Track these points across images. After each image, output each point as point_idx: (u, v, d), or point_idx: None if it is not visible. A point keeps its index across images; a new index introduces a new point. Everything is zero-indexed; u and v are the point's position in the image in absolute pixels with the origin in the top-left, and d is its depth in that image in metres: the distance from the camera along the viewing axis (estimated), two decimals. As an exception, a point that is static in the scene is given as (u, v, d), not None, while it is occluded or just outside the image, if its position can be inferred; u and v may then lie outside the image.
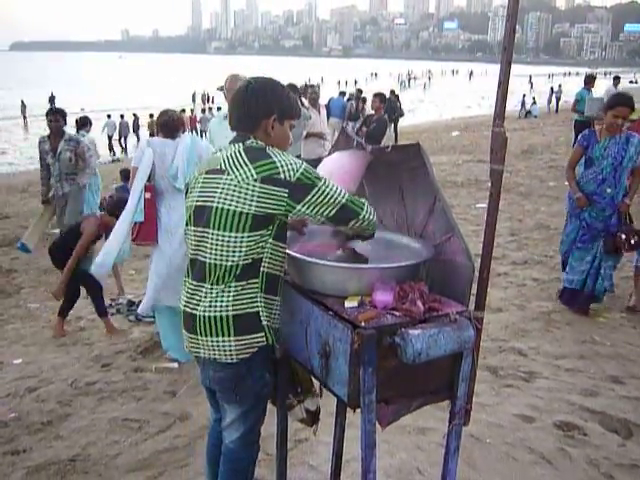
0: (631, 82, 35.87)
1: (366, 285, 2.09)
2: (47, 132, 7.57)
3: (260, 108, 2.18)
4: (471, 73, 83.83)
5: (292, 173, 2.06)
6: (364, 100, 18.27)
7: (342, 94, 19.20)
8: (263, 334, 2.16)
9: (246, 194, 2.04)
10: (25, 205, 12.53)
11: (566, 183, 9.96)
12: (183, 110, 25.64)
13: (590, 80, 12.65)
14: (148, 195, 4.23)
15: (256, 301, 2.14)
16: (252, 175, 2.05)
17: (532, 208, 9.23)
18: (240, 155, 2.12)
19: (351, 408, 2.01)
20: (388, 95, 17.42)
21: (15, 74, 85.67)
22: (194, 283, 2.21)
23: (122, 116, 25.17)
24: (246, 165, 2.07)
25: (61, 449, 3.42)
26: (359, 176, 2.52)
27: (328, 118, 10.82)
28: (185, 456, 3.29)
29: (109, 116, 24.70)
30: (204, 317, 2.16)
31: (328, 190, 2.10)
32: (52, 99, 37.26)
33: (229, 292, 2.12)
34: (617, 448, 3.27)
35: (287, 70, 73.25)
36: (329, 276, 2.16)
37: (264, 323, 2.16)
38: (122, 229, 4.22)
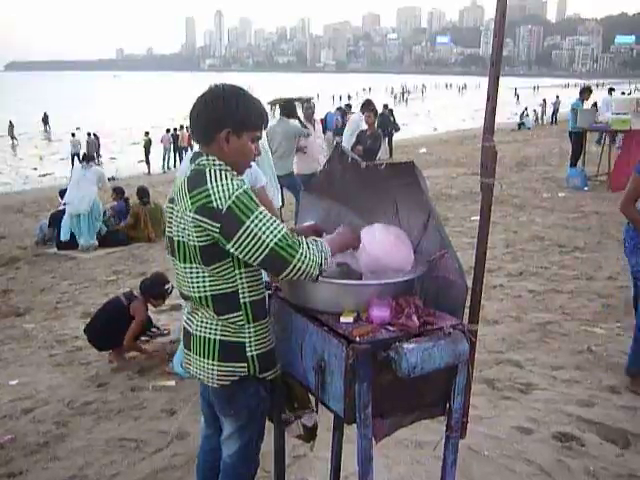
0: (623, 93, 36.12)
1: (362, 301, 2.09)
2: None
3: (212, 121, 2.06)
4: (461, 87, 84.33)
5: (223, 201, 1.94)
6: (349, 106, 18.36)
7: (339, 109, 19.31)
8: (246, 365, 2.14)
9: (186, 226, 2.01)
10: (21, 225, 12.54)
11: (561, 194, 10.04)
12: (182, 127, 25.80)
13: (585, 92, 12.73)
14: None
15: (244, 332, 2.12)
16: (189, 206, 1.98)
17: (527, 220, 9.26)
18: (184, 184, 2.05)
19: (347, 423, 2.01)
20: (381, 110, 17.56)
21: (10, 94, 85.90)
22: (185, 302, 2.25)
23: (89, 134, 25.72)
24: (186, 195, 2.01)
25: (58, 470, 3.40)
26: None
27: (324, 133, 10.88)
28: (183, 475, 3.28)
29: (73, 135, 25.32)
30: (196, 336, 2.18)
31: (257, 230, 1.93)
32: (46, 119, 37.40)
33: (215, 320, 2.12)
34: (615, 458, 3.27)
35: (281, 86, 73.60)
36: (324, 293, 2.17)
37: (249, 354, 2.13)
38: None
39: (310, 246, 2.01)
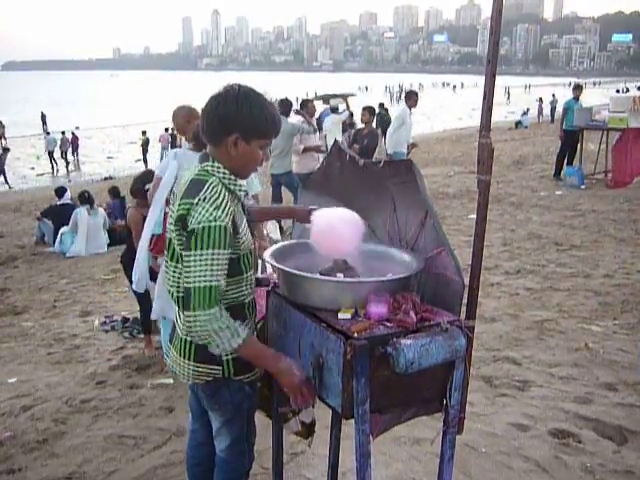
0: (617, 91, 36.21)
1: (360, 297, 2.10)
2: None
3: (222, 124, 2.04)
4: (455, 87, 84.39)
5: (194, 221, 1.95)
6: (351, 114, 18.31)
7: (334, 110, 19.27)
8: (220, 369, 2.15)
9: (171, 228, 2.07)
10: (19, 224, 12.54)
11: (558, 192, 10.03)
12: (177, 126, 25.76)
13: (576, 90, 12.75)
14: (167, 209, 4.21)
15: None
16: (175, 211, 2.03)
17: (524, 218, 9.28)
18: (184, 186, 2.07)
19: (345, 419, 2.02)
20: (378, 109, 17.53)
21: (7, 93, 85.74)
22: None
23: (63, 132, 26.33)
24: (178, 200, 2.04)
25: (57, 467, 3.41)
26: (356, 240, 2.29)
27: (320, 132, 10.89)
28: (181, 471, 3.26)
29: (48, 133, 26.23)
30: (177, 334, 2.22)
31: (192, 264, 1.94)
32: (44, 118, 37.36)
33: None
34: (612, 455, 3.28)
35: (279, 85, 73.55)
36: (323, 290, 2.18)
37: (224, 358, 2.13)
38: (145, 243, 4.18)
39: (222, 324, 1.96)
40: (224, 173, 2.08)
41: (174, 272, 2.12)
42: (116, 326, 5.85)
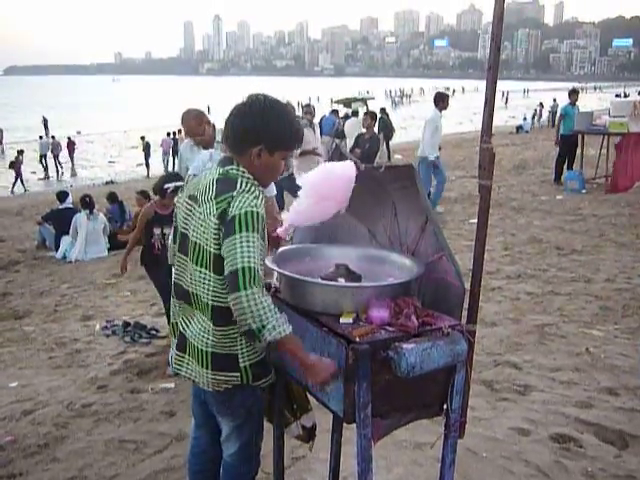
0: (618, 96, 36.28)
1: (361, 302, 2.11)
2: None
3: (247, 134, 2.08)
4: (454, 91, 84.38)
5: (235, 209, 1.98)
6: (355, 113, 18.39)
7: (334, 112, 19.33)
8: (239, 375, 2.17)
9: (207, 230, 2.05)
10: (20, 229, 12.55)
11: (559, 197, 10.02)
12: (179, 131, 25.86)
13: (572, 94, 12.75)
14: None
15: (236, 344, 2.15)
16: (213, 211, 2.03)
17: (525, 222, 9.28)
18: (212, 186, 2.08)
19: (347, 423, 2.03)
20: (379, 114, 17.58)
21: (10, 98, 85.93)
22: (179, 302, 2.26)
23: (53, 137, 26.89)
24: (212, 200, 2.05)
25: (58, 472, 3.41)
26: (347, 191, 2.41)
27: (321, 136, 10.92)
28: (182, 476, 3.27)
29: (41, 137, 26.71)
30: (191, 343, 2.21)
31: (238, 246, 1.94)
32: (45, 122, 37.47)
33: (210, 332, 2.13)
34: (613, 459, 3.28)
35: (280, 89, 73.67)
36: (324, 294, 2.19)
37: (242, 365, 2.16)
38: None
39: (268, 304, 1.94)
40: (249, 177, 2.12)
41: (202, 278, 2.10)
42: (117, 331, 5.85)
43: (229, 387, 2.18)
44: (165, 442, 3.66)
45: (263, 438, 2.42)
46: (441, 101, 9.88)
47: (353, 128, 13.80)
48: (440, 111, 9.97)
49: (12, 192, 20.77)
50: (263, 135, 2.07)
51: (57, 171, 25.34)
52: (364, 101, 15.50)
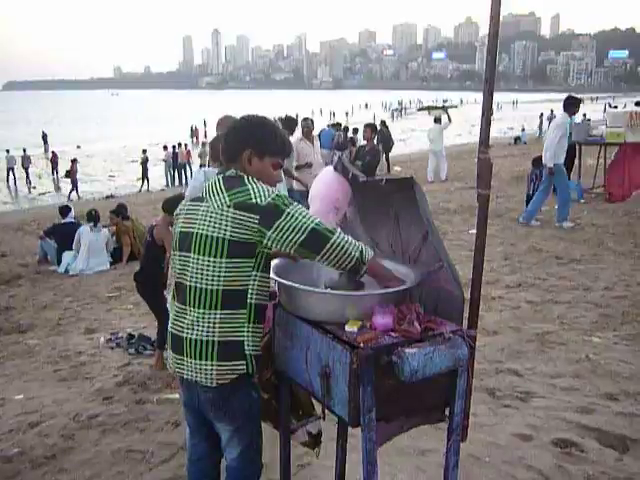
0: (615, 107, 36.45)
1: (365, 310, 2.16)
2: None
3: (237, 141, 2.30)
4: (451, 102, 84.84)
5: (263, 198, 2.15)
6: (355, 130, 18.65)
7: (334, 126, 19.49)
8: (244, 362, 2.24)
9: (221, 220, 2.16)
10: (21, 243, 12.60)
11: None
12: (179, 144, 26.09)
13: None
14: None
15: (243, 331, 2.23)
16: (226, 202, 2.17)
17: (524, 232, 9.34)
18: (218, 183, 2.25)
19: (352, 427, 2.08)
20: (379, 126, 17.75)
21: (9, 113, 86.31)
22: (179, 306, 2.32)
23: (24, 150, 26.90)
24: (222, 192, 2.21)
25: (66, 482, 3.45)
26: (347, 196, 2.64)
27: (321, 149, 10.99)
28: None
29: (8, 151, 26.67)
30: (190, 339, 2.25)
31: (297, 215, 2.15)
32: (45, 137, 37.63)
33: (215, 318, 2.21)
34: (614, 463, 3.33)
35: (279, 103, 73.96)
36: (330, 304, 2.24)
37: (247, 352, 2.24)
38: None
39: (349, 238, 2.20)
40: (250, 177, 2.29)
41: (208, 266, 2.19)
42: (121, 343, 5.90)
43: (234, 378, 2.23)
44: (171, 452, 3.70)
45: (262, 440, 2.46)
46: (573, 105, 9.41)
47: (437, 134, 16.70)
48: (570, 116, 9.55)
49: None
50: (250, 139, 2.29)
51: (28, 184, 25.58)
52: (445, 109, 17.08)
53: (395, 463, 3.35)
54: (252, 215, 2.13)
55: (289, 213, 2.14)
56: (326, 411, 2.37)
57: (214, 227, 2.17)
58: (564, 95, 10.42)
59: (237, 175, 2.27)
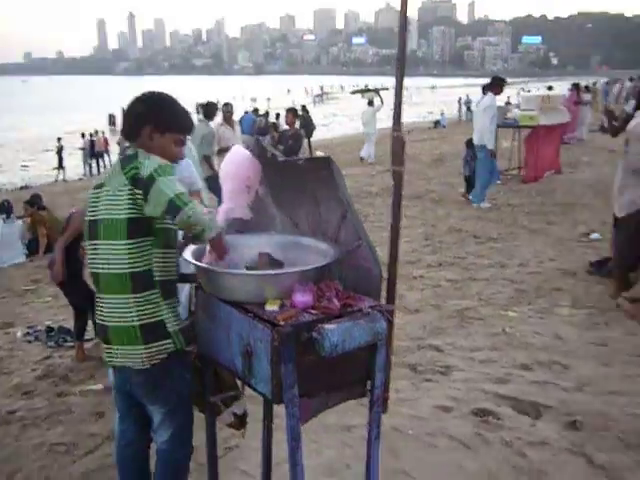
0: (528, 91, 37.86)
1: (285, 288, 2.19)
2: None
3: (137, 117, 2.31)
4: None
5: (147, 170, 2.16)
6: (277, 115, 18.64)
7: (254, 111, 19.41)
8: (171, 340, 2.27)
9: (118, 200, 2.18)
10: None
11: (461, 190, 10.21)
12: (97, 132, 25.32)
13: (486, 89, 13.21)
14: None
15: (160, 310, 2.25)
16: (122, 182, 2.18)
17: (444, 213, 9.61)
18: (117, 165, 2.26)
19: (275, 404, 2.11)
20: (300, 111, 17.78)
21: None
22: (98, 295, 2.33)
23: None
24: (119, 173, 2.21)
25: (-15, 479, 3.34)
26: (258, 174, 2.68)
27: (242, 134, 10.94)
28: (115, 474, 3.27)
29: None
30: (113, 327, 2.26)
31: (162, 185, 2.15)
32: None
33: (129, 302, 2.22)
34: (528, 428, 3.51)
35: (199, 89, 72.74)
36: (250, 284, 2.25)
37: (170, 330, 2.27)
38: None
39: (201, 210, 2.19)
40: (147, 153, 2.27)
41: (114, 251, 2.19)
42: (40, 336, 5.71)
43: (165, 357, 2.24)
44: (96, 442, 3.64)
45: (193, 423, 2.47)
46: (497, 86, 9.78)
47: (370, 116, 16.82)
48: (495, 96, 9.85)
49: None
50: (151, 116, 2.29)
51: None
52: (377, 91, 17.39)
53: (322, 440, 3.42)
54: (138, 190, 2.16)
55: (156, 184, 2.15)
56: (250, 390, 2.39)
57: (113, 209, 2.18)
58: (481, 80, 10.76)
59: (133, 152, 2.26)
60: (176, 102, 2.36)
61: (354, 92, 21.14)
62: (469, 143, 10.51)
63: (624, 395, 3.84)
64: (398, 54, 2.09)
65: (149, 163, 2.18)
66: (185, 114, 2.38)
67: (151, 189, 2.14)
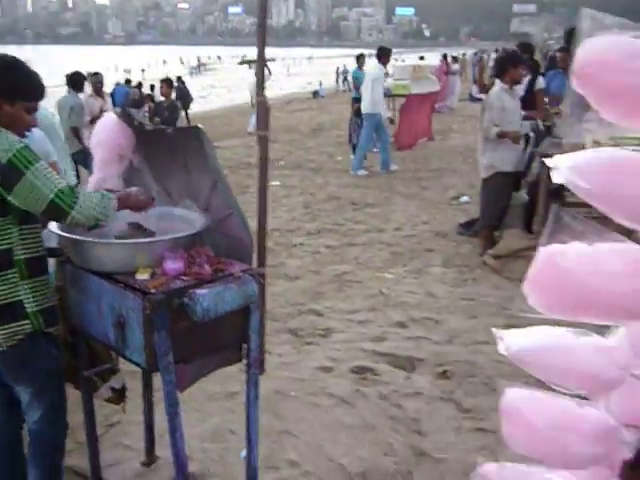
0: (403, 61, 38.85)
1: (156, 256, 2.17)
2: None
3: None
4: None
5: (4, 154, 1.99)
6: (152, 87, 18.07)
7: (127, 82, 18.71)
8: (29, 321, 2.17)
9: None
10: None
11: (352, 156, 10.51)
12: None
13: (359, 59, 13.47)
14: None
15: (18, 290, 2.15)
16: None
17: (323, 182, 9.76)
18: None
19: (150, 372, 2.11)
20: (176, 82, 17.32)
21: None
22: None
23: None
24: None
25: None
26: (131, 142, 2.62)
27: (114, 106, 10.52)
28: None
29: None
30: None
31: (36, 182, 2.01)
32: None
33: None
34: (403, 381, 3.71)
35: (68, 60, 68.89)
36: (120, 254, 2.22)
37: (29, 310, 2.17)
38: None
39: (91, 200, 2.10)
40: None
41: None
42: None
43: (22, 338, 2.16)
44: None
45: (66, 400, 2.41)
46: (385, 55, 10.05)
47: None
48: (384, 66, 10.17)
49: None
50: None
51: None
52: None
53: (205, 408, 3.43)
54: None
55: (27, 179, 2.00)
56: (130, 365, 2.36)
57: None
58: (357, 50, 10.93)
59: None
60: (27, 67, 2.19)
61: (241, 63, 21.27)
62: (358, 112, 10.73)
63: (490, 344, 4.11)
64: (259, 21, 2.10)
65: (2, 144, 2.00)
66: (36, 78, 2.19)
67: (19, 182, 1.99)
